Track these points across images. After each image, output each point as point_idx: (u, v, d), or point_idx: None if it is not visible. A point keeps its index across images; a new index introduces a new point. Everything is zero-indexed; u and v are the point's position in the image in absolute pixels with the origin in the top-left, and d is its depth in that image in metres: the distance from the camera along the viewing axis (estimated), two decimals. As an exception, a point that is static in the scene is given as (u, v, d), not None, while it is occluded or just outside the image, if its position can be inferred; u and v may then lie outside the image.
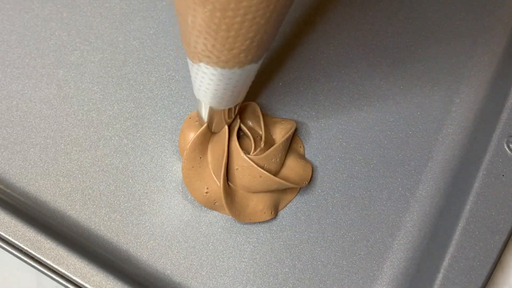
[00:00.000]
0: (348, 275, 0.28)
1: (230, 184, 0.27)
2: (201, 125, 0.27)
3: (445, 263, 0.25)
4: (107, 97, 0.30)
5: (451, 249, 0.25)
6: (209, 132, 0.27)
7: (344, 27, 0.31)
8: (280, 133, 0.28)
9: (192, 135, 0.27)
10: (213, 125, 0.27)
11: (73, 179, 0.29)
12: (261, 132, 0.28)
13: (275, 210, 0.28)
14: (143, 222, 0.28)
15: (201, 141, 0.27)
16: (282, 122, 0.29)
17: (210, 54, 0.18)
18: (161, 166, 0.29)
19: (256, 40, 0.18)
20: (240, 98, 0.24)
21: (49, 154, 0.29)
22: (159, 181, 0.29)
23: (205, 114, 0.25)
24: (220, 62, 0.19)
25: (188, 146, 0.27)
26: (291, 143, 0.29)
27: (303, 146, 0.30)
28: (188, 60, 0.21)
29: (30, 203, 0.28)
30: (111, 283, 0.25)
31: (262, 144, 0.27)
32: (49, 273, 0.26)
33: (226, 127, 0.27)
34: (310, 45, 0.31)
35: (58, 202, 0.28)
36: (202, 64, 0.19)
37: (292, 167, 0.28)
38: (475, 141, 0.29)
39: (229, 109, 0.25)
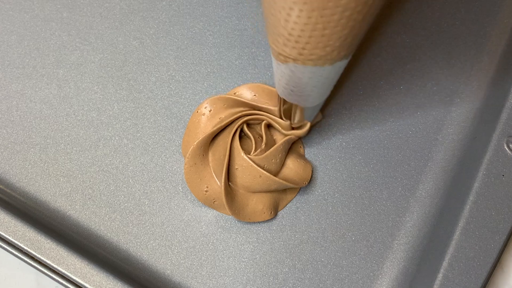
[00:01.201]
0: (348, 275, 0.28)
1: (230, 183, 0.27)
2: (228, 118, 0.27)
3: (445, 263, 0.25)
4: (107, 97, 0.30)
5: (451, 249, 0.25)
6: (216, 132, 0.27)
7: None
8: (280, 134, 0.28)
9: (198, 130, 0.28)
10: (295, 119, 0.26)
11: (73, 179, 0.29)
12: (262, 133, 0.28)
13: (275, 210, 0.28)
14: (143, 222, 0.28)
15: (208, 140, 0.27)
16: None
17: (302, 52, 0.18)
18: (161, 166, 0.29)
19: (351, 36, 0.17)
20: (327, 94, 0.24)
21: (49, 154, 0.29)
22: (159, 181, 0.29)
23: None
24: (310, 61, 0.18)
25: (196, 142, 0.27)
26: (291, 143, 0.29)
27: (303, 146, 0.30)
28: (273, 59, 0.20)
29: (30, 203, 0.28)
30: (111, 283, 0.25)
31: (263, 145, 0.27)
32: (49, 273, 0.26)
33: (232, 129, 0.27)
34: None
35: (58, 202, 0.28)
36: (290, 63, 0.19)
37: (292, 167, 0.28)
38: (475, 141, 0.29)
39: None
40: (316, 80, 0.20)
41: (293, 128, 0.28)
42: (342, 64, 0.20)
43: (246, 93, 0.29)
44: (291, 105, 0.24)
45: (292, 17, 0.16)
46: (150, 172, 0.29)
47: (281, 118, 0.27)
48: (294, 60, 0.19)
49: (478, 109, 0.30)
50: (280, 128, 0.27)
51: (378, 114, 0.30)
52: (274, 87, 0.30)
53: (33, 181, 0.29)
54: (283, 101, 0.25)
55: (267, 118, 0.28)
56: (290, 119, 0.27)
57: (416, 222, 0.29)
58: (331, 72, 0.20)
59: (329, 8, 0.16)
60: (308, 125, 0.27)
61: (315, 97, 0.23)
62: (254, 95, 0.28)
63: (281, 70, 0.20)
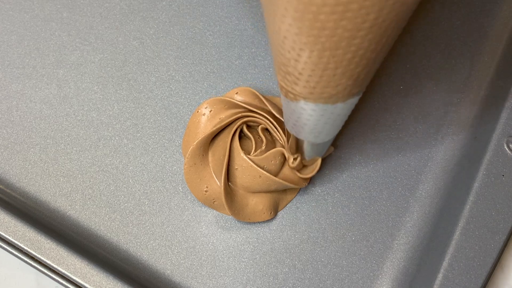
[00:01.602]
0: (348, 275, 0.28)
1: (230, 184, 0.27)
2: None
3: (445, 263, 0.25)
4: (107, 97, 0.30)
5: (451, 249, 0.25)
6: (216, 132, 0.27)
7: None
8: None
9: (199, 130, 0.28)
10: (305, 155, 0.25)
11: (73, 179, 0.29)
12: (262, 134, 0.28)
13: (275, 210, 0.28)
14: (143, 222, 0.28)
15: (208, 140, 0.27)
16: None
17: (312, 91, 0.17)
18: (161, 166, 0.29)
19: (364, 73, 0.17)
20: (339, 129, 0.23)
21: (49, 154, 0.29)
22: (159, 181, 0.29)
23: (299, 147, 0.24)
24: (322, 99, 0.18)
25: (195, 142, 0.27)
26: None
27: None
28: (283, 97, 0.20)
29: (30, 203, 0.28)
30: (111, 283, 0.25)
31: (263, 146, 0.27)
32: (49, 273, 0.26)
33: (232, 129, 0.27)
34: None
35: (58, 202, 0.28)
36: (301, 101, 0.18)
37: (292, 167, 0.28)
38: (475, 141, 0.29)
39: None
40: (328, 117, 0.19)
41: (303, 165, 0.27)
42: (354, 101, 0.19)
43: (248, 97, 0.28)
44: (301, 140, 0.24)
45: (303, 58, 0.16)
46: (150, 172, 0.29)
47: (290, 153, 0.26)
48: (305, 98, 0.18)
49: (478, 109, 0.30)
50: (289, 163, 0.27)
51: (378, 114, 0.30)
52: (275, 96, 0.30)
53: (33, 181, 0.29)
54: (292, 136, 0.24)
55: (267, 123, 0.28)
56: (299, 153, 0.26)
57: (416, 222, 0.29)
58: (343, 109, 0.19)
59: (342, 48, 0.15)
60: (319, 161, 0.26)
61: (327, 134, 0.22)
62: (255, 99, 0.28)
63: (291, 108, 0.20)
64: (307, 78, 0.17)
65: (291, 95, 0.19)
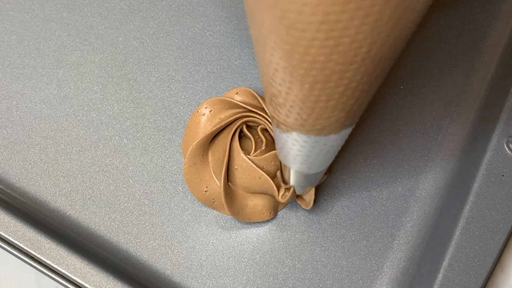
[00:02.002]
0: (348, 275, 0.28)
1: (229, 184, 0.27)
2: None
3: (445, 263, 0.25)
4: (107, 97, 0.30)
5: (451, 249, 0.25)
6: (216, 132, 0.27)
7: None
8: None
9: (198, 130, 0.28)
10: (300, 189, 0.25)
11: (73, 179, 0.29)
12: (262, 134, 0.28)
13: (275, 210, 0.28)
14: (143, 222, 0.28)
15: (207, 140, 0.27)
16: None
17: (304, 123, 0.17)
18: (161, 166, 0.29)
19: (357, 105, 0.16)
20: (331, 161, 0.22)
21: (49, 154, 0.29)
22: (159, 181, 0.29)
23: (291, 178, 0.23)
24: (314, 130, 0.17)
25: (195, 142, 0.27)
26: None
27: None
28: (274, 127, 0.19)
29: (30, 203, 0.28)
30: (111, 283, 0.25)
31: (263, 146, 0.27)
32: (49, 273, 0.26)
33: (232, 129, 0.27)
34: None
35: (58, 202, 0.28)
36: (293, 133, 0.18)
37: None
38: (475, 141, 0.29)
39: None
40: (320, 149, 0.19)
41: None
42: (347, 132, 0.19)
43: (248, 97, 0.28)
44: (294, 170, 0.23)
45: (294, 90, 0.15)
46: (150, 172, 0.29)
47: (284, 182, 0.26)
48: (297, 130, 0.18)
49: (478, 109, 0.30)
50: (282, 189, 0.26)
51: (377, 114, 0.30)
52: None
53: (33, 181, 0.29)
54: (285, 167, 0.23)
55: (266, 123, 0.28)
56: (291, 185, 0.25)
57: (416, 222, 0.29)
58: (336, 140, 0.19)
59: (333, 81, 0.15)
60: (313, 192, 0.26)
61: (320, 165, 0.21)
62: (255, 99, 0.28)
63: (283, 139, 0.19)
64: (298, 110, 0.16)
65: (283, 127, 0.18)
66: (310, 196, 0.27)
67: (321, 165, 0.22)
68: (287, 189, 0.26)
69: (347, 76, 0.15)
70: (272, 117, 0.19)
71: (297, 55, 0.14)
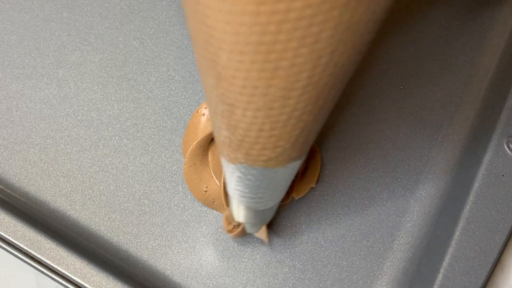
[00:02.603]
0: (348, 275, 0.28)
1: (230, 184, 0.27)
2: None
3: (445, 263, 0.25)
4: (107, 97, 0.30)
5: (451, 249, 0.25)
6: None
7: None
8: None
9: (198, 130, 0.28)
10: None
11: (73, 179, 0.29)
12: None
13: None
14: (143, 222, 0.28)
15: (207, 140, 0.27)
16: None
17: (249, 152, 0.16)
18: (161, 166, 0.29)
19: (302, 136, 0.16)
20: (283, 195, 0.21)
21: (49, 154, 0.29)
22: (159, 181, 0.29)
23: (241, 214, 0.22)
24: (260, 161, 0.17)
25: (195, 142, 0.27)
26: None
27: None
28: (223, 159, 0.19)
29: (30, 203, 0.28)
30: (111, 283, 0.25)
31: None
32: (49, 273, 0.26)
33: None
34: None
35: (58, 202, 0.28)
36: (239, 165, 0.17)
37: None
38: (475, 141, 0.29)
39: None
40: (268, 183, 0.18)
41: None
42: (296, 165, 0.18)
43: None
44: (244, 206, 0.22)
45: (237, 116, 0.15)
46: (150, 172, 0.29)
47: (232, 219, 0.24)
48: (241, 161, 0.17)
49: (478, 109, 0.30)
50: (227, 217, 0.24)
51: (378, 114, 0.30)
52: None
53: (33, 181, 0.29)
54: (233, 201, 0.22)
55: None
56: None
57: (416, 222, 0.29)
58: (284, 174, 0.18)
59: (276, 109, 0.14)
60: (264, 229, 0.24)
61: (268, 200, 0.20)
62: None
63: (229, 171, 0.18)
64: (240, 138, 0.16)
65: (227, 157, 0.17)
66: (261, 234, 0.25)
67: (271, 201, 0.21)
68: (236, 226, 0.24)
69: (289, 104, 0.14)
70: (218, 147, 0.18)
71: (238, 81, 0.14)
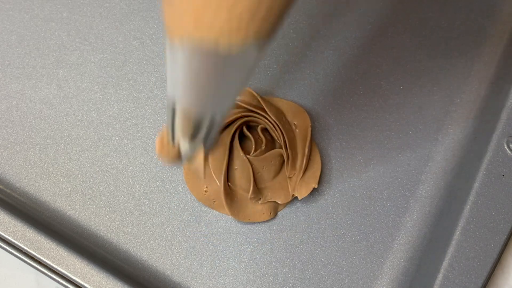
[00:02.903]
0: (348, 275, 0.28)
1: (229, 184, 0.27)
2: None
3: (445, 263, 0.25)
4: (107, 97, 0.30)
5: (451, 249, 0.25)
6: None
7: (344, 27, 0.31)
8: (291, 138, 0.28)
9: None
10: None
11: (73, 179, 0.29)
12: (261, 134, 0.28)
13: (275, 211, 0.28)
14: (143, 222, 0.28)
15: None
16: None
17: (198, 19, 0.14)
18: (161, 166, 0.29)
19: (264, 7, 0.13)
20: (230, 102, 0.18)
21: (49, 154, 0.29)
22: (159, 181, 0.29)
23: (176, 124, 0.19)
24: (208, 35, 0.14)
25: None
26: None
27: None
28: (168, 45, 0.16)
29: (30, 203, 0.28)
30: (111, 283, 0.25)
31: (263, 146, 0.27)
32: (49, 273, 0.26)
33: (232, 129, 0.27)
34: (310, 45, 0.31)
35: (58, 202, 0.28)
36: (186, 45, 0.15)
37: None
38: (475, 141, 0.29)
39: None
40: (212, 72, 0.15)
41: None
42: (248, 58, 0.15)
43: (248, 97, 0.28)
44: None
45: None
46: (150, 172, 0.29)
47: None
48: (184, 35, 0.14)
49: (478, 109, 0.30)
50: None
51: (378, 114, 0.30)
52: (275, 97, 0.30)
53: (33, 181, 0.29)
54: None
55: (266, 122, 0.28)
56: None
57: (416, 222, 0.29)
58: (233, 66, 0.15)
59: None
60: (201, 162, 0.22)
61: (208, 98, 0.17)
62: (255, 99, 0.28)
63: (170, 56, 0.16)
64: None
65: (171, 30, 0.15)
66: (199, 166, 0.22)
67: (213, 103, 0.17)
68: (173, 147, 0.21)
69: None
70: (164, 24, 0.15)
71: None
